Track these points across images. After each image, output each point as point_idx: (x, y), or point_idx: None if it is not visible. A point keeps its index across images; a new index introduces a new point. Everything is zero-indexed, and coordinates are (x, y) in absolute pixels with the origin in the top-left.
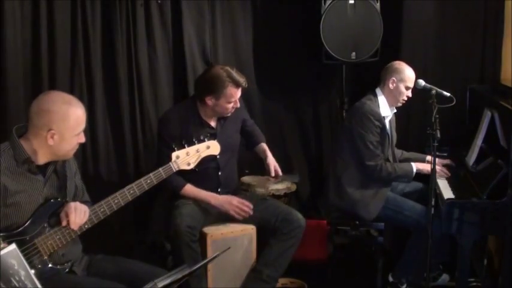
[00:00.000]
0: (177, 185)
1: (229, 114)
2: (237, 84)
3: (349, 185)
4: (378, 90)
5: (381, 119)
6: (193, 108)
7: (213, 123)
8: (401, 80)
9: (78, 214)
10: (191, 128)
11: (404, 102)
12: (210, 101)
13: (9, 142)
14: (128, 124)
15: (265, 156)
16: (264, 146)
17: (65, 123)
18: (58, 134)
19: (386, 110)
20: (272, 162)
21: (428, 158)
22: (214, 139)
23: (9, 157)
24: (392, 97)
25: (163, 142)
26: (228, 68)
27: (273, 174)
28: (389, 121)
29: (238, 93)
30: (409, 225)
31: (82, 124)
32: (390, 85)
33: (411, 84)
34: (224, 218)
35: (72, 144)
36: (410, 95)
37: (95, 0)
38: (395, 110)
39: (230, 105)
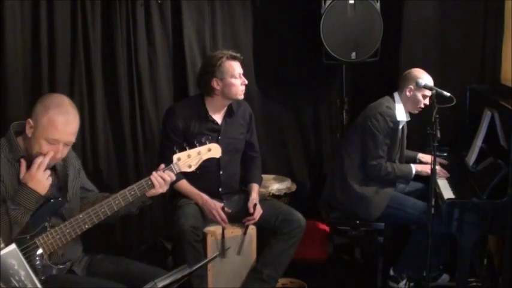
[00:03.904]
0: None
1: (242, 96)
2: (232, 57)
3: (355, 182)
4: (396, 95)
5: (396, 122)
6: (200, 102)
7: (218, 120)
8: (419, 89)
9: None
10: (195, 121)
11: (421, 109)
12: (217, 86)
13: (6, 139)
14: (127, 124)
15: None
16: (256, 187)
17: (40, 119)
18: (33, 127)
19: (402, 115)
20: (254, 201)
21: (420, 155)
22: (217, 136)
23: (6, 153)
24: (409, 104)
25: (166, 135)
26: (221, 50)
27: (251, 210)
28: (402, 127)
29: (238, 65)
30: (411, 222)
31: (54, 131)
32: (407, 93)
33: (428, 93)
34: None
35: (41, 148)
36: (427, 103)
37: (95, 0)
38: (409, 118)
39: (237, 82)
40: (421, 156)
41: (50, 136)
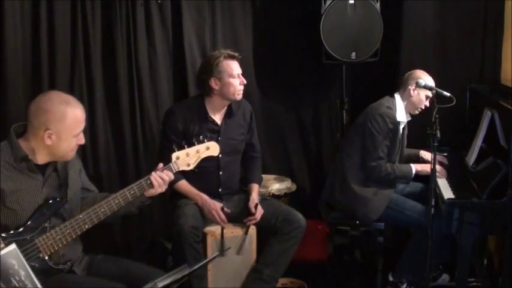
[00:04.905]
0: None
1: (240, 97)
2: (230, 56)
3: (354, 183)
4: (397, 96)
5: (396, 123)
6: (199, 103)
7: (218, 120)
8: (421, 89)
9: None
10: (195, 122)
11: (421, 110)
12: (215, 85)
13: (8, 141)
14: (127, 124)
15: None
16: (256, 187)
17: (62, 123)
18: (55, 134)
19: (402, 115)
20: (255, 201)
21: (422, 152)
22: (217, 136)
23: (7, 155)
24: (411, 104)
25: (165, 136)
26: (219, 50)
27: (253, 210)
28: (403, 128)
29: (236, 65)
30: (410, 225)
31: (80, 125)
32: (411, 92)
33: (430, 94)
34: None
35: (70, 145)
36: (428, 104)
37: (95, 0)
38: (410, 118)
39: (236, 81)
40: (423, 153)
41: (78, 130)
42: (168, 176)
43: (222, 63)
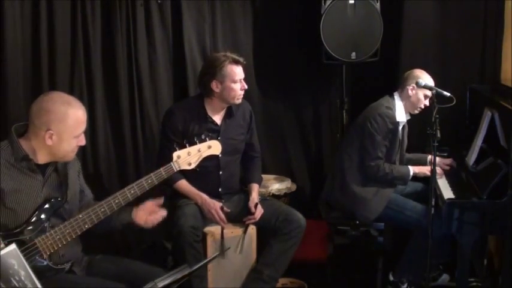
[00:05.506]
0: (172, 178)
1: (239, 101)
2: (235, 61)
3: (354, 182)
4: (396, 95)
5: (395, 123)
6: (199, 103)
7: (218, 121)
8: (420, 88)
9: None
10: (194, 122)
11: (421, 110)
12: (216, 88)
13: (8, 140)
14: (128, 124)
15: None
16: (256, 186)
17: (64, 123)
18: (56, 134)
19: (402, 115)
20: (255, 201)
21: (430, 157)
22: (217, 136)
23: (8, 155)
24: (410, 103)
25: (165, 136)
26: (224, 52)
27: (253, 210)
28: (403, 127)
29: (240, 70)
30: (410, 225)
31: (81, 126)
32: (409, 92)
33: (429, 93)
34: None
35: (71, 146)
36: (427, 103)
37: (95, 0)
38: (409, 117)
39: (237, 86)
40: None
41: (79, 131)
42: (157, 220)
43: (226, 67)
